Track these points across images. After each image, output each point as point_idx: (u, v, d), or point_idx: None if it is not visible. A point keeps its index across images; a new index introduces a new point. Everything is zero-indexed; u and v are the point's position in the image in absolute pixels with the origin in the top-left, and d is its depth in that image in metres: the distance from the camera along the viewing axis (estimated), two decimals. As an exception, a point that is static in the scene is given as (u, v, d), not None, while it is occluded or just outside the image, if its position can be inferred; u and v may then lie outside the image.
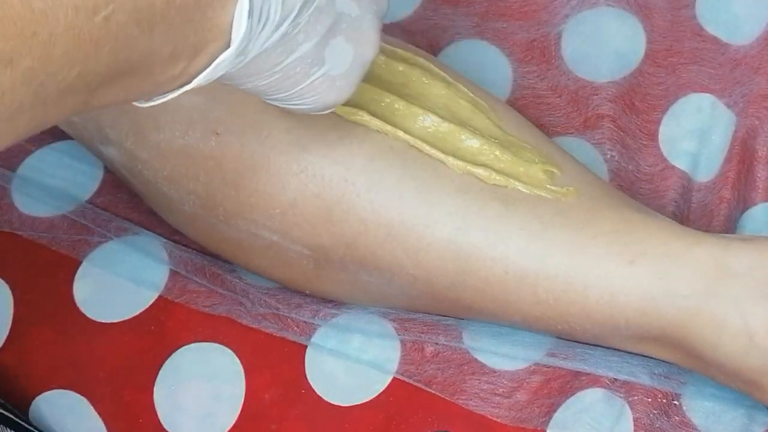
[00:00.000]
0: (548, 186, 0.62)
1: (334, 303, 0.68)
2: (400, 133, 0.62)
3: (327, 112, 0.55)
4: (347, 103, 0.62)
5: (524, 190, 0.61)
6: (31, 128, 0.43)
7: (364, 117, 0.62)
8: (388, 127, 0.62)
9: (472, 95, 0.64)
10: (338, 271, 0.64)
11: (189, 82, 0.47)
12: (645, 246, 0.60)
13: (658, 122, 0.72)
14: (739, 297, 0.58)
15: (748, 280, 0.58)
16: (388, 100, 0.62)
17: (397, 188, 0.61)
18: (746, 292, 0.58)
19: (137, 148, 0.64)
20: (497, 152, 0.62)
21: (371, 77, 0.63)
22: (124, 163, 0.66)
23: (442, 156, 0.61)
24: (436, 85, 0.64)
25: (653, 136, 0.72)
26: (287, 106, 0.54)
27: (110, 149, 0.66)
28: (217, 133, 0.62)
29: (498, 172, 0.61)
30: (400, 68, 0.64)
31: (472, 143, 0.62)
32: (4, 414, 0.63)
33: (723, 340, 0.58)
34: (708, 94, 0.72)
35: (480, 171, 0.61)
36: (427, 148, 0.62)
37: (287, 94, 0.52)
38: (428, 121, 0.62)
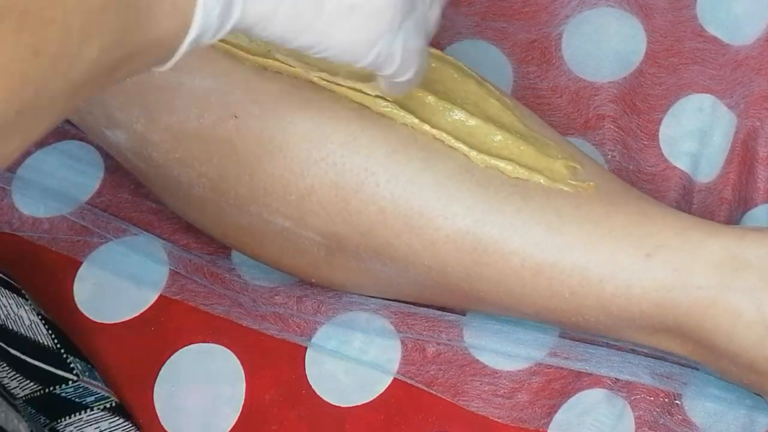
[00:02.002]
0: (569, 181, 0.62)
1: (336, 294, 0.68)
2: (426, 126, 0.62)
3: (366, 64, 0.52)
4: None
5: (546, 184, 0.62)
6: (64, 112, 0.43)
7: (390, 108, 0.62)
8: (415, 120, 0.62)
9: (500, 94, 0.65)
10: (350, 259, 0.64)
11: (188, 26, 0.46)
12: (661, 238, 0.60)
13: (659, 122, 0.72)
14: (755, 287, 0.58)
15: (763, 271, 0.59)
16: (419, 94, 0.63)
17: (417, 180, 0.61)
18: (761, 283, 0.59)
19: (148, 131, 0.64)
20: (522, 147, 0.62)
21: None
22: (133, 146, 0.66)
23: (465, 149, 0.62)
24: (467, 82, 0.64)
25: (654, 136, 0.72)
26: (320, 55, 0.51)
27: (118, 133, 0.66)
28: (236, 116, 0.62)
29: (521, 165, 0.62)
30: (433, 64, 0.64)
31: (498, 138, 0.62)
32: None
33: (738, 331, 0.59)
34: (709, 95, 0.72)
35: (503, 164, 0.61)
36: (452, 141, 0.62)
37: (307, 37, 0.50)
38: (457, 116, 0.62)
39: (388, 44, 0.51)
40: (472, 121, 0.63)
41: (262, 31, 0.49)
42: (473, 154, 0.62)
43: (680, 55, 0.74)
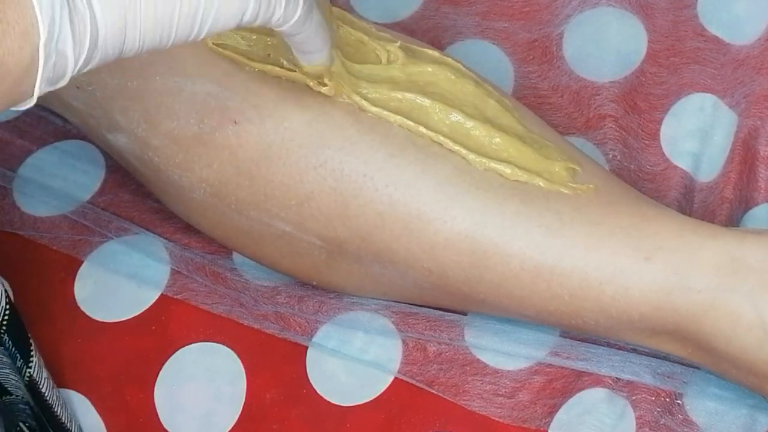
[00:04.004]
0: (569, 183, 0.62)
1: (337, 294, 0.68)
2: (422, 129, 0.62)
3: (252, 15, 0.50)
4: (375, 103, 0.62)
5: (545, 186, 0.61)
6: None
7: (386, 112, 0.62)
8: (411, 123, 0.62)
9: (498, 95, 0.65)
10: (351, 262, 0.64)
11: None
12: (661, 240, 0.60)
13: (660, 122, 0.72)
14: (754, 290, 0.58)
15: (762, 273, 0.59)
16: (412, 96, 0.63)
17: (416, 184, 0.61)
18: (761, 285, 0.58)
19: (149, 136, 0.64)
20: (521, 148, 0.62)
21: (398, 79, 0.63)
22: (134, 150, 0.66)
23: (464, 152, 0.62)
24: (465, 83, 0.64)
25: (655, 135, 0.72)
26: (207, 28, 0.50)
27: (119, 136, 0.66)
28: (235, 122, 0.62)
29: (520, 168, 0.62)
30: (429, 69, 0.64)
31: (496, 140, 0.62)
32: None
33: (737, 334, 0.59)
34: (710, 94, 0.73)
35: (502, 167, 0.62)
36: (449, 143, 0.62)
37: (180, 14, 0.49)
38: (454, 118, 0.62)
39: None
40: (470, 123, 0.63)
41: (134, 30, 0.48)
42: (472, 156, 0.62)
43: (681, 55, 0.74)
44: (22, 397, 0.61)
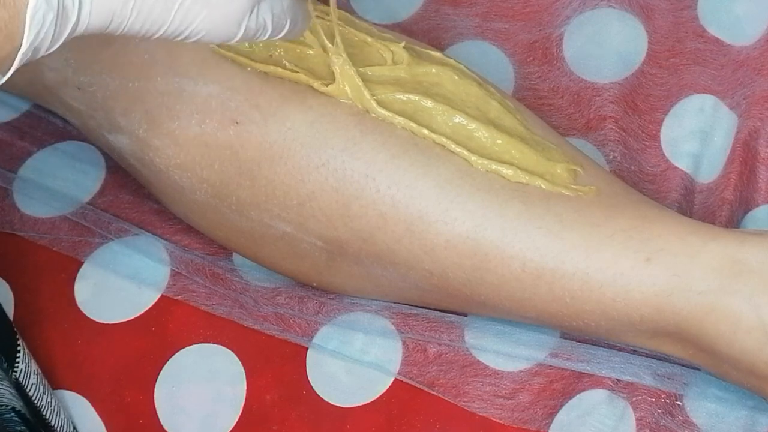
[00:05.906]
0: (570, 185, 0.62)
1: (337, 295, 0.68)
2: (425, 131, 0.62)
3: (239, 40, 0.52)
4: (381, 105, 0.62)
5: (546, 188, 0.62)
6: None
7: (389, 113, 0.62)
8: (413, 124, 0.62)
9: (501, 96, 0.65)
10: (351, 264, 0.64)
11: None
12: (662, 242, 0.60)
13: (660, 123, 0.72)
14: (754, 292, 0.58)
15: (763, 275, 0.59)
16: (416, 98, 0.63)
17: (418, 185, 0.61)
18: (761, 287, 0.58)
19: (150, 136, 0.64)
20: (523, 150, 0.62)
21: (404, 80, 0.63)
22: (134, 151, 0.66)
23: (466, 153, 0.62)
24: (468, 84, 0.64)
25: (655, 136, 0.72)
26: (191, 40, 0.51)
27: (120, 137, 0.66)
28: (237, 122, 0.63)
29: (522, 169, 0.62)
30: (433, 69, 0.64)
31: (498, 141, 0.62)
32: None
33: (738, 336, 0.59)
34: (710, 95, 0.73)
35: (504, 169, 0.62)
36: (452, 145, 0.62)
37: (172, 22, 0.50)
38: (456, 120, 0.63)
39: (254, 17, 0.52)
40: (473, 125, 0.63)
41: (118, 27, 0.49)
42: (474, 158, 0.62)
43: (681, 56, 0.74)
44: (8, 405, 0.61)
